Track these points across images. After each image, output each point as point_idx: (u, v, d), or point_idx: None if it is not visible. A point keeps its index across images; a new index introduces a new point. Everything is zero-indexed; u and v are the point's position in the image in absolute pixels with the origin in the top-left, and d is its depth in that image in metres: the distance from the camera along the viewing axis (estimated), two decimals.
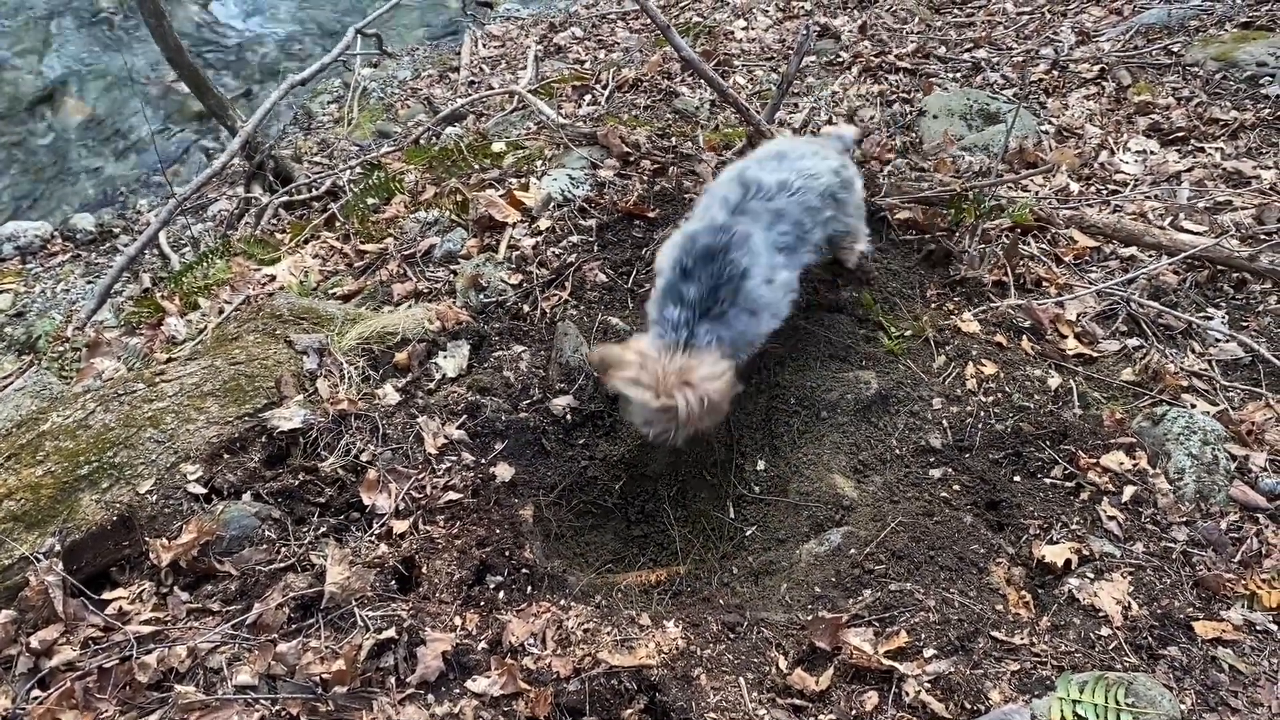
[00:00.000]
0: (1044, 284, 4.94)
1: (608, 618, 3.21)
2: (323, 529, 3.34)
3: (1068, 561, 3.35)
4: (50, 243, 10.54)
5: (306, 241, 6.27)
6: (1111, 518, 3.51)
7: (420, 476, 3.61)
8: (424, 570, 3.27)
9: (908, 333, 4.41)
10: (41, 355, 5.81)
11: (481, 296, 4.65)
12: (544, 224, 5.18)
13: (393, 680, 2.94)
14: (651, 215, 5.01)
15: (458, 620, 3.14)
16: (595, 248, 4.90)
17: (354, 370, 3.99)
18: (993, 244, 5.15)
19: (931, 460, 3.89)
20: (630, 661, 3.04)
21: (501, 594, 3.30)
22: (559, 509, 3.98)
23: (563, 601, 3.32)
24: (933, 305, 4.74)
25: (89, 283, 9.79)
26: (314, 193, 7.97)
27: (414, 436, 3.76)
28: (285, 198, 7.91)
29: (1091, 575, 3.30)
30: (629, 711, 2.94)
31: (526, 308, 4.57)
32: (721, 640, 3.16)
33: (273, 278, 5.74)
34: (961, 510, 3.65)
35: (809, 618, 3.20)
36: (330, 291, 5.30)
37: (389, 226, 5.80)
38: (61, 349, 5.85)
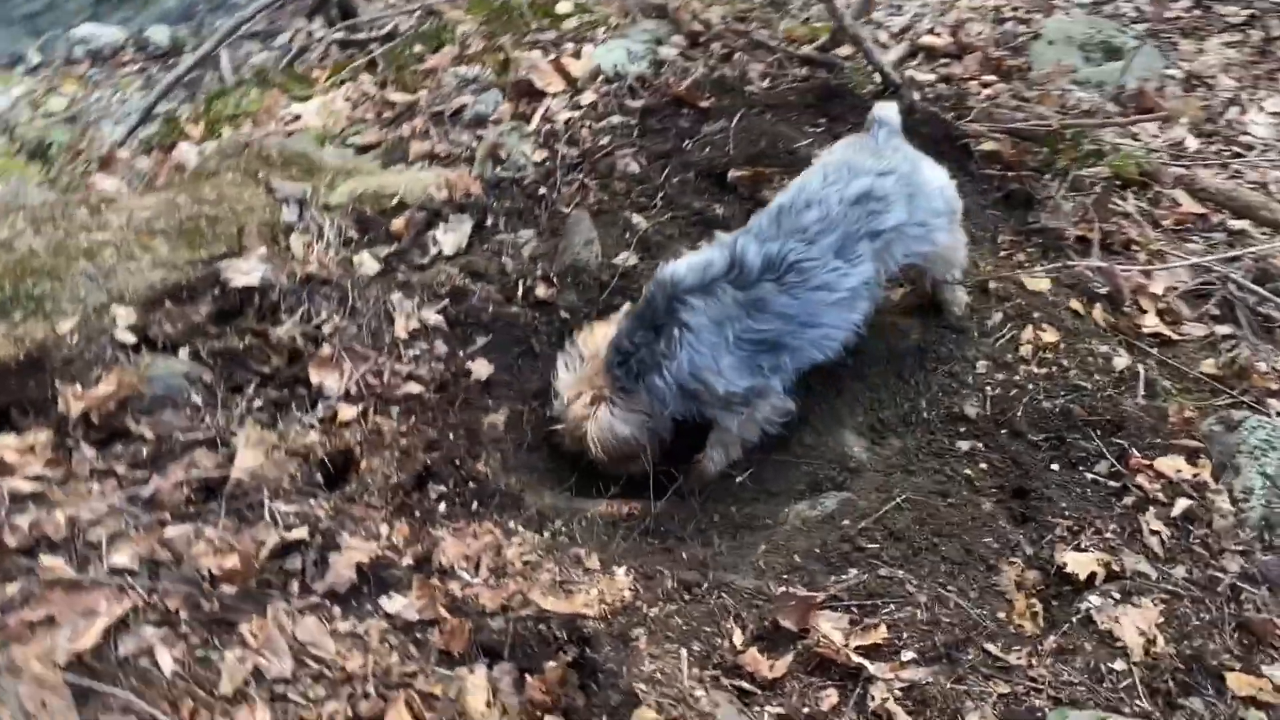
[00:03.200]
0: (1134, 248, 4.35)
1: (552, 553, 2.84)
2: (259, 402, 2.99)
3: (1092, 575, 2.88)
4: (121, 51, 10.19)
5: (342, 83, 5.84)
6: (1155, 532, 3.01)
7: (381, 360, 3.23)
8: (361, 467, 2.92)
9: (965, 280, 3.87)
10: (51, 163, 5.52)
11: (498, 170, 4.19)
12: (587, 99, 4.67)
13: (296, 585, 2.61)
14: (704, 105, 4.48)
15: (384, 529, 2.79)
16: (635, 133, 4.39)
17: (335, 230, 3.59)
18: (1084, 193, 4.56)
19: (962, 431, 3.41)
20: (565, 608, 2.67)
21: (442, 506, 2.94)
22: (538, 419, 3.58)
23: (511, 524, 2.95)
24: (1002, 253, 4.19)
25: (145, 98, 9.52)
26: (372, 34, 7.46)
27: (384, 314, 3.37)
28: (341, 34, 7.43)
29: (1117, 595, 2.83)
30: (552, 664, 2.58)
31: (544, 189, 4.11)
32: (674, 599, 2.78)
33: (298, 116, 5.37)
34: (983, 494, 3.18)
35: (780, 590, 2.79)
36: (349, 140, 4.90)
37: (426, 78, 5.34)
38: (73, 161, 5.57)
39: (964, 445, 3.37)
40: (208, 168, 3.68)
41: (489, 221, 3.94)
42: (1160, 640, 2.72)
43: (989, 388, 3.50)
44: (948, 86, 5.47)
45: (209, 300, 3.18)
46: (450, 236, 3.85)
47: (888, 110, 3.60)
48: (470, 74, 5.13)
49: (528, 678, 2.56)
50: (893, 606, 2.76)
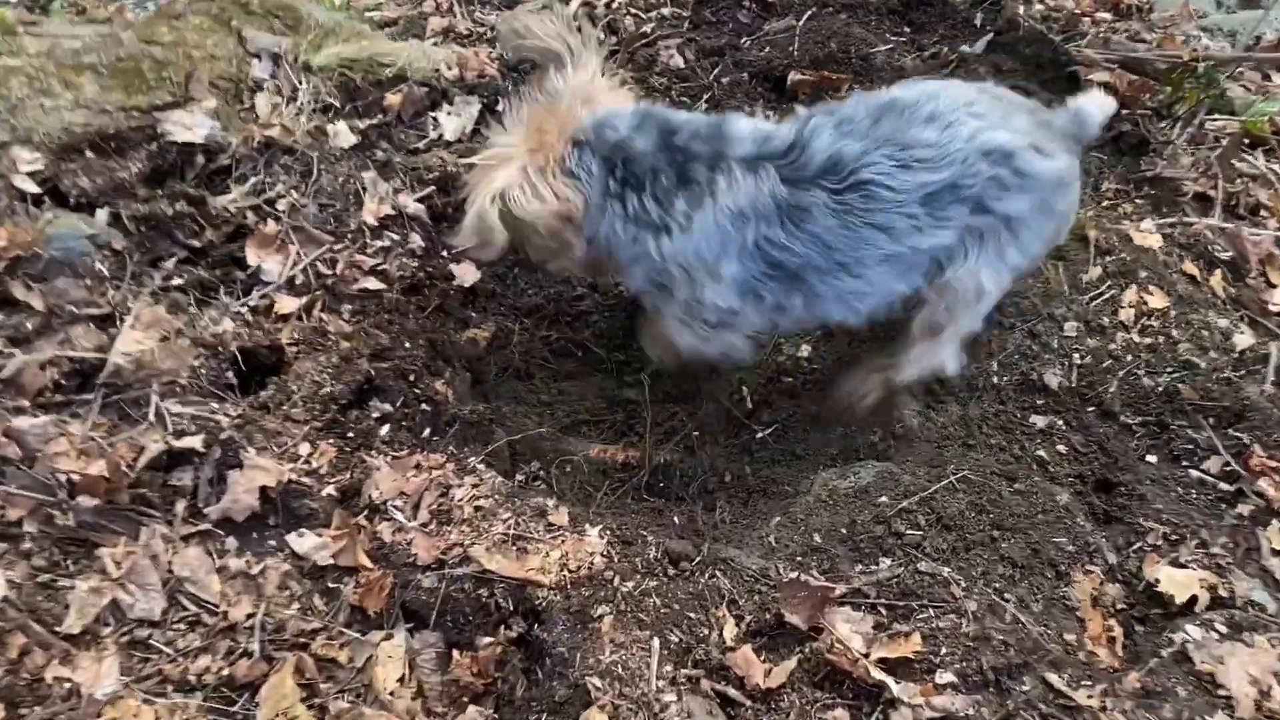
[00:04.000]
0: (1262, 213, 3.64)
1: (511, 500, 2.27)
2: (179, 280, 2.45)
3: (1192, 599, 2.25)
4: None
5: None
6: (1277, 552, 2.37)
7: (338, 247, 2.67)
8: (290, 371, 2.37)
9: None
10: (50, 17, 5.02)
11: None
12: None
13: (182, 507, 2.09)
14: None
15: (305, 448, 2.25)
16: (685, 25, 3.76)
17: (312, 94, 3.02)
18: (1207, 147, 3.85)
19: (1039, 403, 2.78)
20: (515, 570, 2.12)
21: (385, 429, 2.39)
22: (532, 339, 3.02)
23: (469, 460, 2.39)
24: (1104, 202, 3.51)
25: None
26: None
27: (354, 195, 2.81)
28: None
29: (1223, 628, 2.20)
30: (489, 639, 2.04)
31: None
32: (656, 574, 2.20)
33: None
34: (1060, 483, 2.56)
35: (790, 575, 2.20)
36: (368, 14, 4.31)
37: None
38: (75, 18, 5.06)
39: (1039, 421, 2.74)
40: (173, 9, 3.11)
41: (500, 106, 3.34)
42: (1277, 693, 2.09)
43: (1077, 354, 2.86)
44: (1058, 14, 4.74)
45: (141, 156, 2.63)
46: (453, 120, 3.28)
47: (1095, 107, 2.56)
48: None
49: (455, 653, 2.03)
50: (932, 612, 2.16)
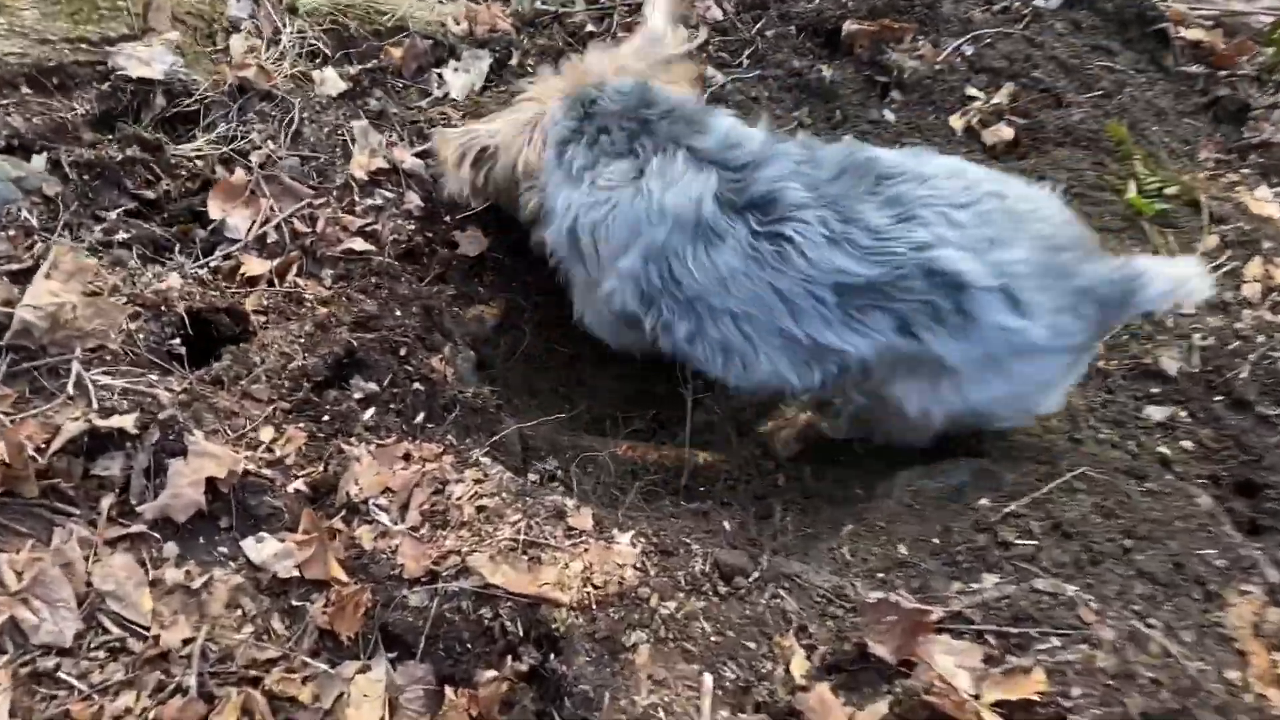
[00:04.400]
0: None
1: (521, 499, 1.83)
2: (123, 234, 2.03)
3: None
4: None
5: None
6: None
7: (319, 203, 2.25)
8: (255, 340, 1.94)
9: (1168, 190, 2.76)
10: None
11: (539, 3, 3.19)
12: None
13: (109, 503, 1.65)
14: None
15: (267, 433, 1.81)
16: None
17: (296, 38, 2.62)
18: None
19: (1155, 392, 2.34)
20: (526, 585, 1.67)
21: (369, 413, 1.95)
22: (548, 321, 2.59)
23: (471, 452, 1.95)
24: (1204, 172, 3.07)
25: None
26: None
27: (341, 147, 2.39)
28: None
29: None
30: (491, 674, 1.59)
31: (593, 26, 3.09)
32: (704, 592, 1.75)
33: None
34: (1190, 484, 2.10)
35: (874, 596, 1.75)
36: None
37: None
38: None
39: (1157, 413, 2.29)
40: None
41: (513, 60, 2.94)
42: None
43: (1198, 335, 2.41)
44: None
45: (89, 95, 2.23)
46: (460, 77, 2.87)
47: (1168, 279, 1.88)
48: None
49: (449, 690, 1.58)
50: (1056, 641, 1.69)
